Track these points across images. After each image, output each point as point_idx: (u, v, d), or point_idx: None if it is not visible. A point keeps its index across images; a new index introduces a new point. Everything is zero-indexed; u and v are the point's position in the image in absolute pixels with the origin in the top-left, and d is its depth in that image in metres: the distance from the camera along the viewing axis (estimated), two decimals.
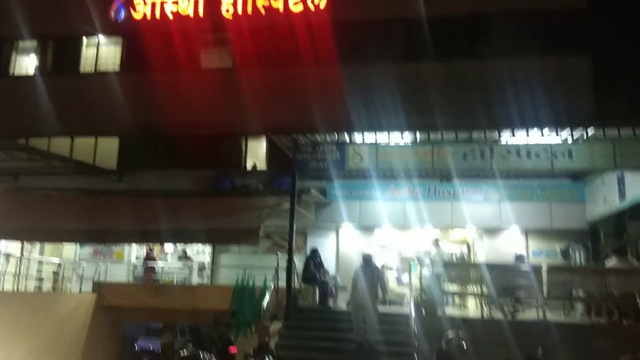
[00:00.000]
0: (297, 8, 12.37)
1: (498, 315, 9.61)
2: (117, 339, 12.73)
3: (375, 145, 11.25)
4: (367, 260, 9.45)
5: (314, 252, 11.74)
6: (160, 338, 14.02)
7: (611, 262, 10.19)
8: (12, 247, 12.53)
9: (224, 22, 12.57)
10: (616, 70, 11.85)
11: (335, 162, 11.32)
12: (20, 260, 12.35)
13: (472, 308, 10.89)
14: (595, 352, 8.11)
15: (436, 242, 11.52)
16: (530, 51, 11.88)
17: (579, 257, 11.84)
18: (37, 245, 13.37)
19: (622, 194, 11.09)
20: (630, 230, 11.30)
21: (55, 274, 12.54)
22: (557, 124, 10.34)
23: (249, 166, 13.75)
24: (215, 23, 12.61)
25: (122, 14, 12.87)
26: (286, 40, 12.26)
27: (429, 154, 11.05)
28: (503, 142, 10.93)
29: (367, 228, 12.73)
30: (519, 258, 11.54)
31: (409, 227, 12.42)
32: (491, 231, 12.51)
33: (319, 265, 11.47)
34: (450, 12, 12.19)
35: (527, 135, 10.76)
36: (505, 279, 10.18)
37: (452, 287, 10.77)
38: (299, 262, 11.86)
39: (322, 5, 12.31)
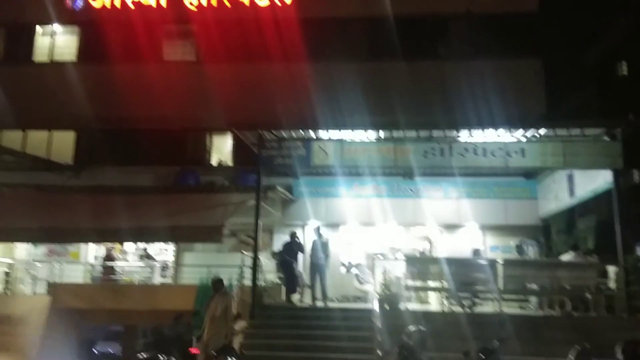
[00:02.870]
0: (263, 2, 12.14)
1: (457, 308, 9.92)
2: (73, 342, 12.07)
3: (340, 142, 11.24)
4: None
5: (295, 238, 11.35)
6: (121, 341, 13.47)
7: (567, 256, 10.70)
8: None
9: (188, 13, 12.22)
10: (566, 73, 12.39)
11: (300, 158, 11.32)
12: None
13: (434, 302, 11.10)
14: (547, 342, 8.53)
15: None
16: (485, 53, 12.29)
17: (532, 252, 12.31)
18: None
19: (571, 192, 11.70)
20: (579, 226, 11.91)
21: (7, 274, 11.73)
22: (510, 125, 10.77)
23: (214, 162, 13.41)
24: (179, 14, 12.28)
25: (80, 2, 12.17)
26: (252, 35, 12.12)
27: (392, 152, 11.21)
28: (461, 141, 11.19)
29: (333, 225, 12.82)
30: (476, 252, 11.95)
31: (373, 224, 12.53)
32: (451, 227, 12.91)
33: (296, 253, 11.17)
34: (410, 13, 12.34)
35: (484, 134, 11.04)
36: (464, 274, 10.55)
37: (414, 283, 10.93)
38: (265, 260, 11.68)
39: (289, 1, 12.12)
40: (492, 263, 10.79)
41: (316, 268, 11.08)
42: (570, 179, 11.76)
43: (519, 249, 12.47)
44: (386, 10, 11.90)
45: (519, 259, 12.30)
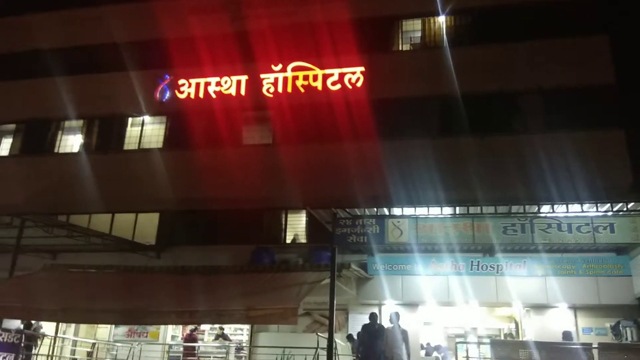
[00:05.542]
0: (335, 87, 14.27)
1: None
2: None
3: (415, 218, 12.51)
4: None
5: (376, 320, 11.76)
6: None
7: None
8: (47, 326, 13.61)
9: (265, 100, 14.49)
10: None
11: (374, 235, 12.52)
12: (54, 340, 13.37)
13: None
14: None
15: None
16: (564, 126, 13.44)
17: (630, 334, 12.67)
18: (72, 325, 14.44)
19: None
20: None
21: (89, 354, 13.52)
22: (595, 199, 11.54)
23: (288, 240, 15.08)
24: (257, 101, 14.58)
25: (167, 95, 14.86)
26: (325, 117, 14.09)
27: (470, 228, 12.25)
28: (543, 216, 12.14)
29: (410, 304, 13.71)
30: (567, 335, 12.46)
31: (453, 304, 13.41)
32: (538, 307, 13.45)
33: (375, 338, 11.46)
34: (482, 90, 13.91)
35: (567, 209, 11.99)
36: (556, 359, 11.06)
37: None
38: (340, 342, 12.74)
39: (359, 84, 14.20)
40: (587, 347, 11.42)
41: None
42: None
43: (616, 331, 12.87)
44: (456, 89, 13.62)
45: (617, 342, 12.68)
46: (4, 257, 13.68)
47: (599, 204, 11.74)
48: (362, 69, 14.28)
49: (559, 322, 13.12)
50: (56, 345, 13.41)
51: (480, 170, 13.11)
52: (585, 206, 11.92)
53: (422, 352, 13.46)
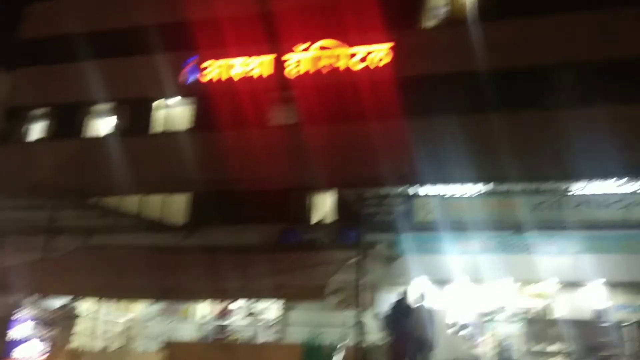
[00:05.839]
0: (360, 65, 14.34)
1: None
2: None
3: (443, 197, 12.59)
4: None
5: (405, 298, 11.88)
6: None
7: None
8: (79, 305, 14.13)
9: (289, 81, 14.64)
10: None
11: (402, 214, 12.68)
12: (88, 318, 13.89)
13: None
14: None
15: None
16: (594, 101, 13.27)
17: None
18: (104, 304, 14.94)
19: None
20: None
21: (124, 331, 14.02)
22: (627, 175, 11.37)
23: (315, 220, 15.29)
24: (281, 82, 14.74)
25: (192, 77, 15.14)
26: (350, 96, 14.17)
27: (498, 206, 12.30)
28: (573, 193, 12.10)
29: (439, 282, 13.81)
30: (600, 313, 12.47)
31: (482, 282, 13.48)
32: (569, 285, 13.42)
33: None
34: (509, 65, 13.82)
35: (599, 186, 11.89)
36: (588, 337, 11.15)
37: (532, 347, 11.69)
38: (369, 320, 12.95)
39: (385, 62, 14.24)
40: (619, 325, 11.45)
41: (420, 344, 11.19)
42: None
43: None
44: (483, 65, 13.56)
45: None
46: (38, 239, 14.20)
47: (630, 181, 11.67)
48: (389, 45, 14.31)
49: (592, 299, 13.11)
50: (89, 324, 13.91)
51: (509, 148, 13.09)
52: (617, 183, 11.86)
53: (450, 331, 13.59)
